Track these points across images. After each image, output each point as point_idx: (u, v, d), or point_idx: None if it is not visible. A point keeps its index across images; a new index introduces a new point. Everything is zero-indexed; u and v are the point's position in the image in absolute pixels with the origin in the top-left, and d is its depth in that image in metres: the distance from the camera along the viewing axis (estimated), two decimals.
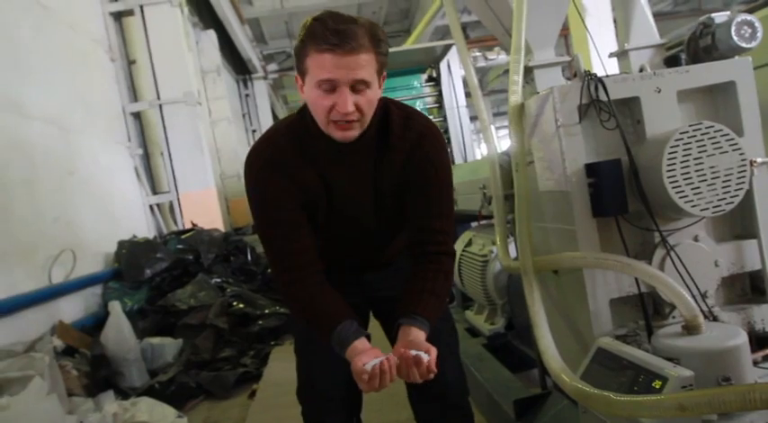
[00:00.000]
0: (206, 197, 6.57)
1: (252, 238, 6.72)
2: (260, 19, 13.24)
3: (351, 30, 1.24)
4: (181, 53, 6.61)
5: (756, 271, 1.63)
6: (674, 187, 1.41)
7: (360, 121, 1.32)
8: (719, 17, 2.09)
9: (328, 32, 1.23)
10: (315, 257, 1.46)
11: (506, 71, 14.32)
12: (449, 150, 6.54)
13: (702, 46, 2.10)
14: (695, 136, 1.42)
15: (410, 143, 1.43)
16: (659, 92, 1.55)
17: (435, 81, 6.60)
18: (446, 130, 6.56)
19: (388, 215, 1.51)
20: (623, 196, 1.49)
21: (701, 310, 1.42)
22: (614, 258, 1.43)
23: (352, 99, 1.27)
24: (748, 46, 2.00)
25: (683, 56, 1.74)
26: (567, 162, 1.52)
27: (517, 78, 1.71)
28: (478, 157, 9.12)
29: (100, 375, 3.41)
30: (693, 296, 1.48)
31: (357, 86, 1.27)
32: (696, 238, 1.57)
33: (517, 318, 2.79)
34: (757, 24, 1.99)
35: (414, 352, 1.26)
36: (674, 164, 1.41)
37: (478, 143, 17.34)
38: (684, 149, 1.41)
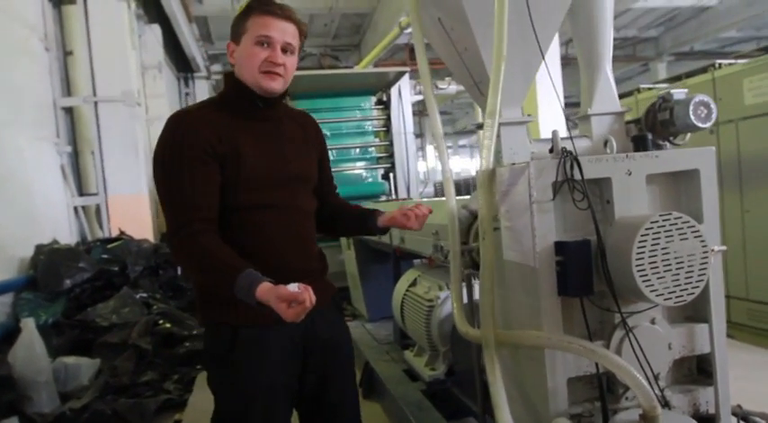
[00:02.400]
0: (137, 202, 6.26)
1: None
2: (208, 18, 12.87)
3: (286, 7, 1.64)
4: (123, 50, 6.30)
5: (705, 354, 1.66)
6: (641, 275, 1.41)
7: (283, 78, 1.63)
8: (678, 94, 2.17)
9: (271, 3, 1.61)
10: (217, 219, 1.57)
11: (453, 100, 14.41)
12: (391, 177, 6.54)
13: (661, 119, 2.17)
14: (664, 226, 1.43)
15: (313, 124, 1.89)
16: (630, 174, 1.56)
17: (384, 105, 6.58)
18: (391, 155, 6.54)
19: (301, 171, 1.73)
20: (590, 278, 1.49)
21: (654, 393, 1.43)
22: (579, 343, 1.42)
23: (282, 57, 1.61)
24: (704, 126, 2.07)
25: (650, 136, 1.77)
26: (538, 238, 1.50)
27: (490, 143, 1.69)
28: (421, 176, 9.16)
29: (4, 399, 3.13)
30: (647, 378, 1.50)
31: (286, 48, 1.62)
32: (653, 321, 1.59)
33: (458, 364, 2.78)
34: (713, 106, 2.08)
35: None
36: (643, 252, 1.41)
37: (419, 159, 17.52)
38: (653, 239, 1.42)
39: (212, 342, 1.64)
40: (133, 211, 6.13)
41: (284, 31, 1.60)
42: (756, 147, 3.97)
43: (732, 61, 4.18)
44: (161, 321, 4.35)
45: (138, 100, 6.52)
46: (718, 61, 4.25)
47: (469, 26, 2.02)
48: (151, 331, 4.19)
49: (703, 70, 4.37)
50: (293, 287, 1.34)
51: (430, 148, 22.46)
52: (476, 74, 2.16)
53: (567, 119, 2.74)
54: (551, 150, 1.59)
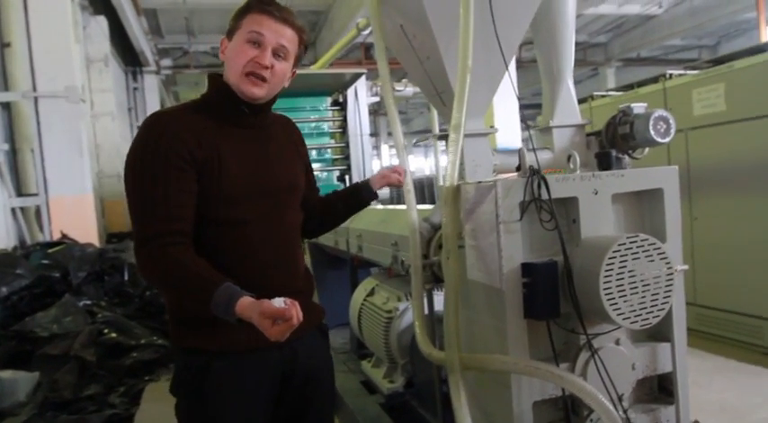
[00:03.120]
0: (81, 204, 5.96)
1: (132, 254, 6.19)
2: (158, 10, 12.46)
3: (287, 10, 1.52)
4: (66, 43, 5.99)
5: (666, 373, 1.66)
6: (608, 299, 1.39)
7: (269, 84, 1.50)
8: (637, 108, 2.18)
9: (270, 4, 1.49)
10: (191, 232, 1.44)
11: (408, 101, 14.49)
12: (347, 179, 6.46)
13: (621, 133, 2.18)
14: (631, 248, 1.41)
15: (297, 131, 1.79)
16: (596, 194, 1.54)
17: (341, 106, 6.49)
18: (347, 157, 6.46)
19: (289, 182, 1.62)
20: (557, 301, 1.46)
21: (619, 415, 1.41)
22: (546, 369, 1.38)
23: (271, 59, 1.48)
24: (663, 140, 2.09)
25: (614, 153, 1.75)
26: (504, 260, 1.46)
27: (455, 159, 1.64)
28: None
29: None
30: (612, 400, 1.48)
31: (278, 52, 1.50)
32: (618, 342, 1.57)
33: (418, 377, 2.73)
34: (671, 121, 2.09)
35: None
36: (611, 275, 1.39)
37: (373, 158, 17.44)
38: (621, 261, 1.40)
39: (183, 370, 1.51)
40: (77, 212, 5.84)
41: (279, 34, 1.49)
42: (704, 156, 4.08)
43: (682, 72, 4.29)
44: (106, 330, 4.15)
45: (83, 96, 6.22)
46: (669, 71, 4.35)
47: (432, 34, 1.97)
48: (95, 341, 4.00)
49: (654, 80, 4.47)
50: (278, 302, 1.23)
51: (385, 148, 22.48)
52: (438, 83, 2.11)
53: (522, 120, 2.70)
54: (518, 168, 1.56)
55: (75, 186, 5.91)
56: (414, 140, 26.83)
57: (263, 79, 1.48)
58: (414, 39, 2.11)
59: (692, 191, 4.14)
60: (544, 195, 1.47)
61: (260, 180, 1.52)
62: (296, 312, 1.22)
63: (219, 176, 1.45)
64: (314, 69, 7.14)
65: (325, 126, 6.47)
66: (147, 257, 1.40)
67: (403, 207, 2.87)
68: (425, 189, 12.59)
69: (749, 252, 3.82)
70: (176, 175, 1.40)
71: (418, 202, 2.09)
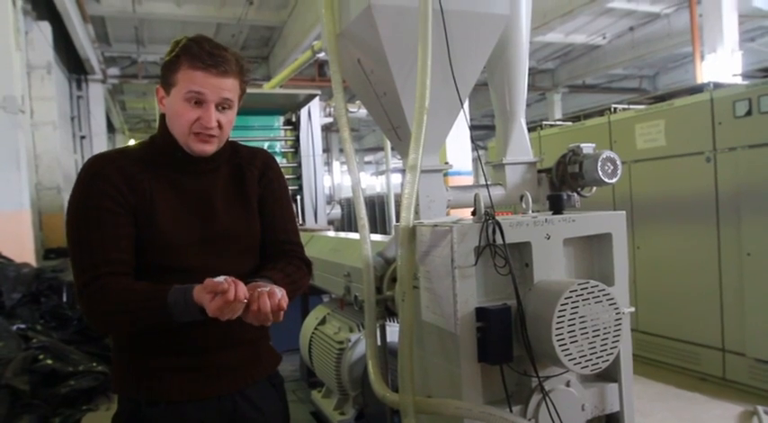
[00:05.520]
0: (17, 220, 5.67)
1: (71, 273, 5.92)
2: (106, 18, 12.10)
3: (223, 55, 1.39)
4: (6, 51, 5.74)
5: (615, 413, 1.70)
6: (560, 345, 1.42)
7: (218, 138, 1.44)
8: (586, 148, 2.26)
9: (204, 53, 1.37)
10: (132, 275, 1.37)
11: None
12: (298, 199, 6.40)
13: (571, 172, 2.25)
14: (582, 294, 1.45)
15: (261, 164, 1.59)
16: (548, 238, 1.58)
17: (293, 125, 6.46)
18: (299, 177, 6.42)
19: (231, 229, 1.49)
20: (510, 346, 1.47)
21: None
22: (500, 414, 1.39)
23: (216, 116, 1.40)
24: (610, 181, 2.17)
25: (566, 195, 1.80)
26: (459, 304, 1.47)
27: (410, 200, 1.65)
28: (326, 190, 9.08)
29: None
30: None
31: (221, 105, 1.41)
32: (568, 384, 1.60)
33: (369, 408, 2.71)
34: (618, 163, 2.17)
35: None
36: (563, 321, 1.42)
37: (324, 174, 17.35)
38: (572, 307, 1.43)
39: (117, 417, 1.46)
40: (12, 229, 5.55)
41: (219, 88, 1.38)
42: (646, 188, 4.26)
43: (626, 106, 4.47)
44: (41, 356, 3.93)
45: (22, 107, 5.95)
46: (614, 105, 4.53)
47: (390, 71, 1.98)
48: (29, 369, 3.78)
49: (600, 113, 4.64)
50: (219, 279, 1.21)
51: (336, 164, 22.47)
52: (394, 118, 2.13)
53: (473, 141, 2.75)
54: (473, 213, 1.57)
55: (12, 201, 5.62)
56: (365, 158, 27.00)
57: (213, 136, 1.42)
58: (371, 74, 2.12)
59: (635, 221, 4.30)
60: (498, 240, 1.49)
61: (194, 228, 1.44)
62: (234, 289, 1.18)
63: (151, 223, 1.39)
64: (267, 88, 7.07)
65: (278, 145, 6.43)
66: (87, 301, 1.33)
67: (355, 235, 2.87)
68: (376, 207, 12.61)
69: (687, 281, 3.99)
70: (111, 219, 1.36)
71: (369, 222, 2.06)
